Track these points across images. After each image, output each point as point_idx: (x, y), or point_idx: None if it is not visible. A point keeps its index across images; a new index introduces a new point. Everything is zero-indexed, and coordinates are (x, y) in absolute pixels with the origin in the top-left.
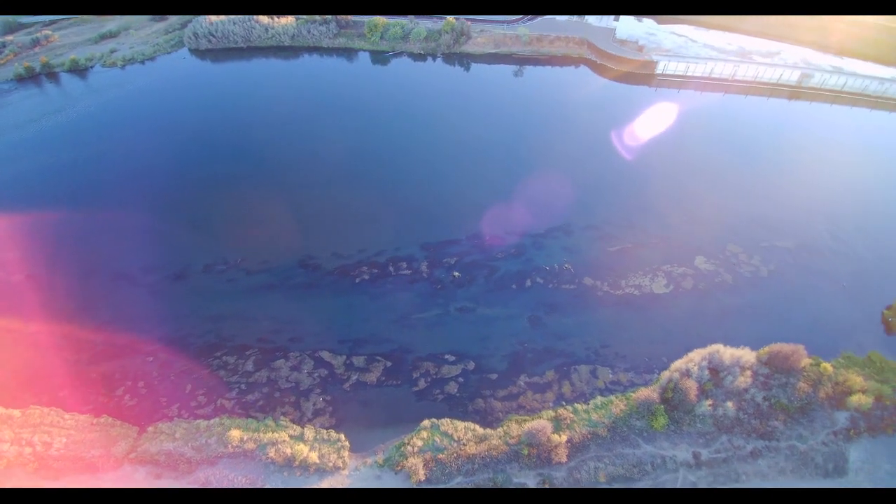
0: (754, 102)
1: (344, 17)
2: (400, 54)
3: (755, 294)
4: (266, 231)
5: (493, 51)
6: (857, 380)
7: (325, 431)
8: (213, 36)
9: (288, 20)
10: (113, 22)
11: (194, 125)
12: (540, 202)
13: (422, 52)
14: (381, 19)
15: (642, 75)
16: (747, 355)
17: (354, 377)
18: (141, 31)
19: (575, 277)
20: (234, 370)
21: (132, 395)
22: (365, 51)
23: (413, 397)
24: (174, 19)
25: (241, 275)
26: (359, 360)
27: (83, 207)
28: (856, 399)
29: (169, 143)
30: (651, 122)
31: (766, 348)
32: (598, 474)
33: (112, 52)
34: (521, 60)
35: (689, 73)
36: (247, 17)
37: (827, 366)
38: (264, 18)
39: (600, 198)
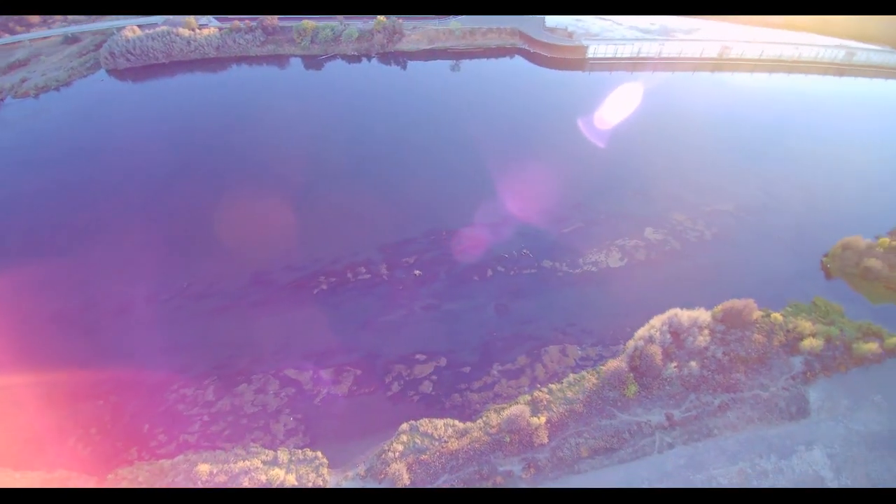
0: (681, 77)
1: (270, 22)
2: (333, 57)
3: (703, 257)
4: (211, 252)
5: (427, 47)
6: (806, 325)
7: (300, 451)
8: (131, 53)
9: (210, 30)
10: (21, 49)
11: (116, 149)
12: (491, 192)
13: (356, 52)
14: (309, 22)
15: (575, 60)
16: (703, 315)
17: (324, 391)
18: (53, 56)
19: (534, 262)
20: (193, 402)
21: (86, 443)
22: (296, 56)
23: (388, 402)
24: (88, 40)
25: (188, 301)
26: (327, 373)
27: (7, 248)
28: (808, 343)
29: (93, 170)
30: (588, 104)
31: (720, 306)
32: (580, 450)
33: (23, 81)
34: (457, 55)
35: (619, 55)
36: (166, 30)
37: (777, 316)
38: (185, 30)
39: (548, 182)
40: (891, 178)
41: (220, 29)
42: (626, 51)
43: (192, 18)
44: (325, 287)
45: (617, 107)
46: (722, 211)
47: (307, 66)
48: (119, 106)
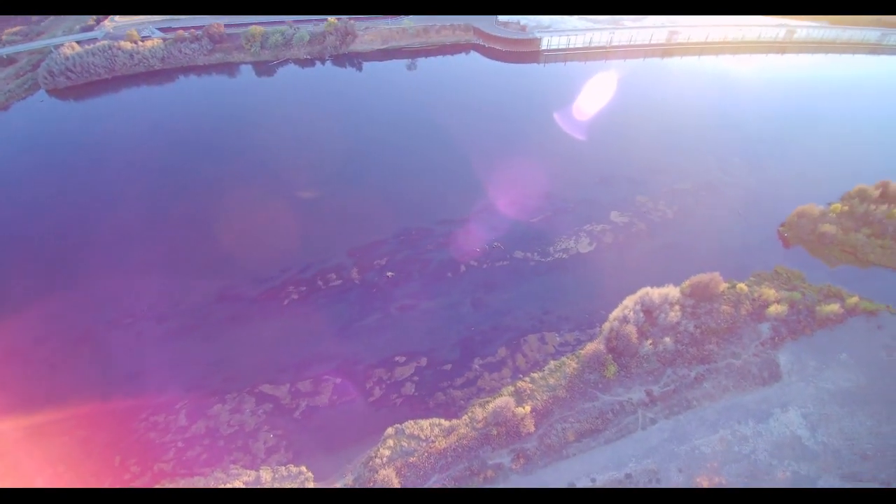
0: (633, 64)
1: (216, 30)
2: (285, 62)
3: (668, 235)
4: (173, 271)
5: (382, 47)
6: (770, 292)
7: (283, 468)
8: (72, 71)
9: (154, 42)
10: None
11: (60, 172)
12: (459, 188)
13: (308, 56)
14: (257, 28)
15: (529, 53)
16: (673, 292)
17: (303, 403)
18: None
19: (506, 254)
20: (165, 429)
21: (55, 483)
22: (246, 63)
23: (371, 408)
24: (24, 60)
25: (150, 324)
26: (304, 385)
27: None
28: (773, 310)
29: (37, 194)
30: (546, 96)
31: (688, 282)
32: (566, 435)
33: None
34: (413, 53)
35: (572, 46)
36: (107, 44)
37: (742, 286)
38: (127, 43)
39: (514, 174)
40: (836, 149)
41: (165, 40)
42: (578, 41)
43: (133, 31)
44: (295, 297)
45: (576, 97)
46: (681, 190)
47: (258, 73)
48: (61, 126)
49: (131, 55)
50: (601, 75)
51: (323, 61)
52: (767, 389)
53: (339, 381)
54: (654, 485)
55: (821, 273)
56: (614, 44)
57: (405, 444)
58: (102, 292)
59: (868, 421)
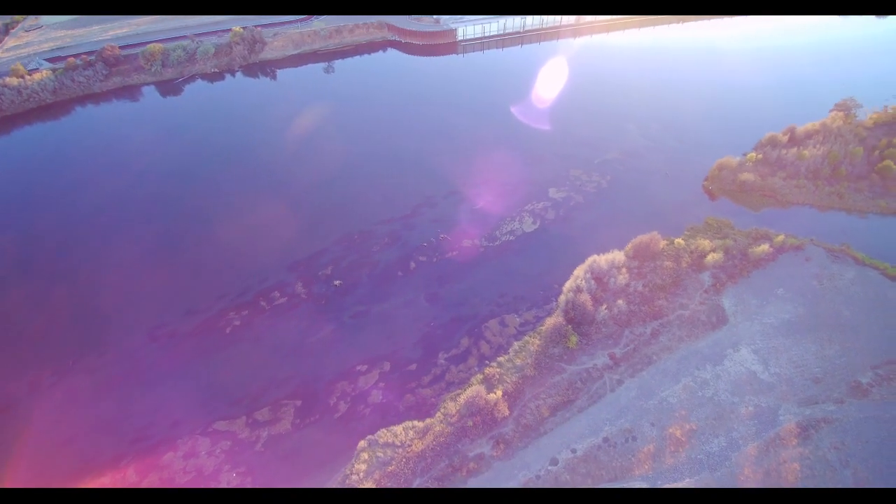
0: (547, 46)
1: (111, 53)
2: (192, 78)
3: (604, 203)
4: (93, 319)
5: (294, 52)
6: (705, 243)
7: None
8: None
9: (43, 73)
10: None
11: None
12: (394, 186)
13: (216, 69)
14: (156, 45)
15: (447, 45)
16: (618, 256)
17: (264, 434)
18: None
19: (454, 244)
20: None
21: None
22: (148, 84)
23: (338, 425)
24: None
25: (77, 379)
26: (262, 414)
27: None
28: (710, 258)
29: None
30: (469, 84)
31: (630, 244)
32: (541, 411)
33: None
34: (328, 56)
35: (487, 34)
36: None
37: (679, 241)
38: (13, 79)
39: (447, 165)
40: (740, 107)
41: (54, 70)
42: (492, 28)
43: (18, 64)
44: (237, 323)
45: (497, 83)
46: (610, 160)
47: (163, 93)
48: None
49: (19, 91)
50: (519, 59)
51: (233, 73)
52: (718, 333)
53: (299, 403)
54: (630, 443)
55: (747, 218)
56: (527, 28)
57: (381, 454)
58: (15, 352)
59: (812, 346)
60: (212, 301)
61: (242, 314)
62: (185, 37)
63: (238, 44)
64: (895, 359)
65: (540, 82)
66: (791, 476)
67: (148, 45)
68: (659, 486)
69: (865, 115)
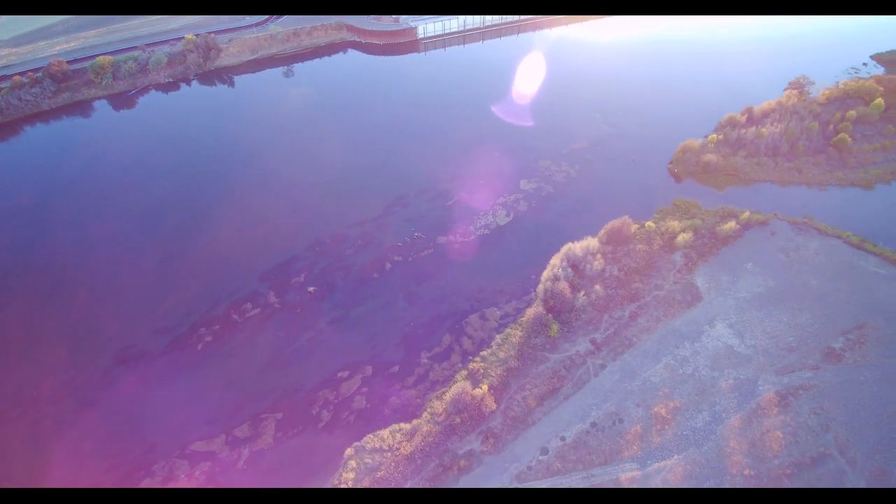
0: (508, 40)
1: (58, 68)
2: (145, 90)
3: (575, 192)
4: (57, 338)
5: (251, 57)
6: (674, 224)
7: None
8: None
9: None
10: None
11: None
12: (363, 187)
13: (170, 79)
14: (106, 58)
15: (408, 43)
16: (592, 242)
17: (245, 451)
18: None
19: (429, 242)
20: None
21: None
22: (100, 98)
23: (323, 435)
24: None
25: (43, 407)
26: (242, 431)
27: None
28: (681, 239)
29: None
30: (433, 80)
31: (603, 230)
32: (528, 402)
33: None
34: (287, 59)
35: (448, 31)
36: None
37: (650, 224)
38: None
39: (416, 163)
40: (699, 94)
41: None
42: (453, 25)
43: None
44: (209, 339)
45: (461, 79)
46: (578, 149)
47: (116, 107)
48: None
49: None
50: (480, 54)
51: (188, 82)
52: (693, 311)
53: (280, 416)
54: (617, 425)
55: (713, 198)
56: (488, 24)
57: (368, 460)
58: None
59: (785, 317)
60: (180, 318)
61: (214, 329)
62: (135, 48)
63: (192, 52)
64: (864, 323)
65: (504, 77)
66: (775, 445)
67: (97, 58)
68: (649, 466)
69: (818, 91)
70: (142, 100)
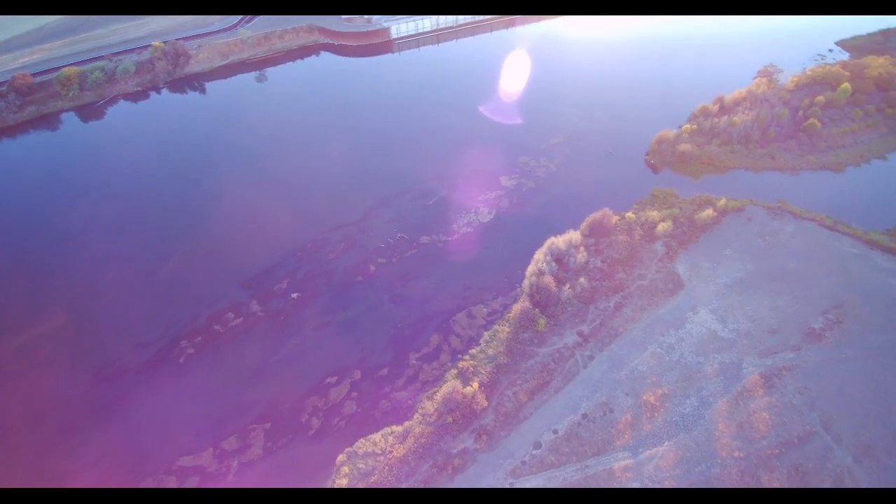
0: (483, 38)
1: (23, 81)
2: (114, 100)
3: (555, 187)
4: (36, 361)
5: (222, 63)
6: (654, 214)
7: None
8: None
9: None
10: None
11: None
12: (342, 192)
13: (139, 88)
14: (72, 69)
15: (381, 44)
16: (575, 236)
17: (235, 463)
18: None
19: (412, 242)
20: None
21: None
22: (67, 111)
23: (313, 442)
24: None
25: (25, 426)
26: (230, 443)
27: None
28: (661, 228)
29: None
30: (408, 81)
31: (584, 223)
32: (519, 398)
33: None
34: (259, 64)
35: (421, 30)
36: None
37: (630, 214)
38: None
39: (397, 164)
40: (671, 87)
41: None
42: (426, 25)
43: None
44: (192, 351)
45: (437, 78)
46: (556, 144)
47: (84, 119)
48: None
49: None
50: (455, 53)
51: (158, 90)
52: (676, 298)
53: (268, 426)
54: (608, 415)
55: (690, 187)
56: (461, 22)
57: (361, 465)
58: None
59: (765, 300)
60: (160, 331)
61: (196, 341)
62: (102, 57)
63: (160, 59)
64: (842, 302)
65: (479, 75)
66: (762, 426)
67: (62, 70)
68: (641, 454)
69: (787, 79)
70: (110, 110)
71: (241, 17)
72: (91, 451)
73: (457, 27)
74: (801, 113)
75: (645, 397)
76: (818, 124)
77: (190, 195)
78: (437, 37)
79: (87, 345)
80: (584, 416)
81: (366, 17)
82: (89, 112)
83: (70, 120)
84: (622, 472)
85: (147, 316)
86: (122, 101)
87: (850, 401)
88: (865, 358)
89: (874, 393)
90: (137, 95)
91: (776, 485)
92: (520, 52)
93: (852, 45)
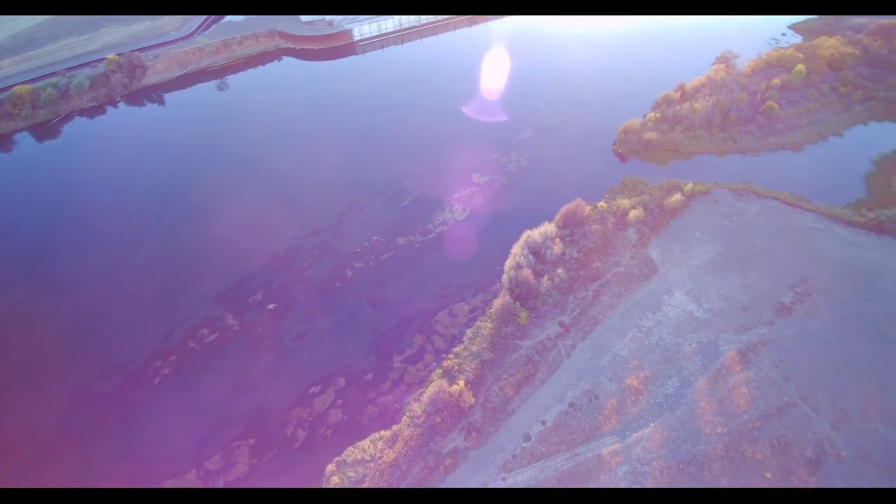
0: (446, 37)
1: None
2: (69, 116)
3: (528, 180)
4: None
5: (180, 73)
6: (625, 202)
7: None
8: None
9: None
10: None
11: None
12: (314, 196)
13: (95, 103)
14: (23, 87)
15: (344, 47)
16: (550, 228)
17: (219, 482)
18: None
19: (388, 244)
20: None
21: None
22: (20, 131)
23: (300, 454)
24: None
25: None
26: (213, 462)
27: None
28: (632, 215)
29: None
30: (372, 84)
31: (558, 215)
32: (505, 392)
33: None
34: (219, 72)
35: (384, 31)
36: None
37: (602, 204)
38: None
39: (367, 167)
40: (634, 79)
41: None
42: (389, 25)
43: None
44: (167, 371)
45: (402, 78)
46: (526, 138)
47: (39, 138)
48: None
49: None
50: (419, 52)
51: (115, 104)
52: (651, 283)
53: (252, 441)
54: (594, 402)
55: (657, 174)
56: (424, 22)
57: (351, 473)
58: None
59: (736, 278)
60: (131, 353)
61: (171, 360)
62: (55, 73)
63: (115, 72)
64: (809, 276)
65: (446, 74)
66: (742, 400)
67: (13, 88)
68: (628, 437)
69: (744, 64)
70: (66, 128)
71: (198, 25)
72: (67, 480)
73: (420, 27)
74: (758, 96)
75: (628, 381)
76: (776, 106)
77: (155, 209)
78: (400, 37)
79: (54, 372)
80: (571, 404)
81: (327, 19)
82: (44, 131)
83: (24, 140)
84: (611, 456)
85: (117, 338)
86: (77, 118)
87: (824, 370)
88: (835, 328)
89: (846, 361)
90: (93, 111)
91: (759, 457)
92: (485, 49)
93: (805, 28)
